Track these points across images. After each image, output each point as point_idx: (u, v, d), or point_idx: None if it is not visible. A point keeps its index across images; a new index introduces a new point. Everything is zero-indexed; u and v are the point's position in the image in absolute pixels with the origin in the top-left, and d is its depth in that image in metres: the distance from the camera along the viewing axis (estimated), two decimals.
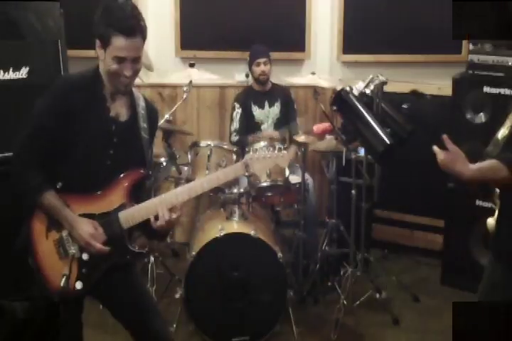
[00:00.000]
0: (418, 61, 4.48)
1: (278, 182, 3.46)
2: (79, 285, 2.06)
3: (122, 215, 2.09)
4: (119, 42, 1.99)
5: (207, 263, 3.16)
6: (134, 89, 2.22)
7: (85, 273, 2.08)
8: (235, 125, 4.21)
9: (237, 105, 4.24)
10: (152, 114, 2.27)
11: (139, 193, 2.17)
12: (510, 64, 3.53)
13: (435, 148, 2.00)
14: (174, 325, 3.30)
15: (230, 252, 3.17)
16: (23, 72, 3.26)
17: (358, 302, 3.55)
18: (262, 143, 3.58)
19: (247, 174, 2.21)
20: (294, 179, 3.67)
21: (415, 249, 4.35)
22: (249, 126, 4.26)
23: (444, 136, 1.95)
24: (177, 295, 3.27)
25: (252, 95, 4.25)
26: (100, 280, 2.12)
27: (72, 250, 2.07)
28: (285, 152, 2.18)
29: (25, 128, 2.12)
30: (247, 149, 3.58)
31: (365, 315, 3.55)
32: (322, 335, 3.36)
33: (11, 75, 3.23)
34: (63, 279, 2.03)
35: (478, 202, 3.70)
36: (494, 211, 2.34)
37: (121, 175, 2.12)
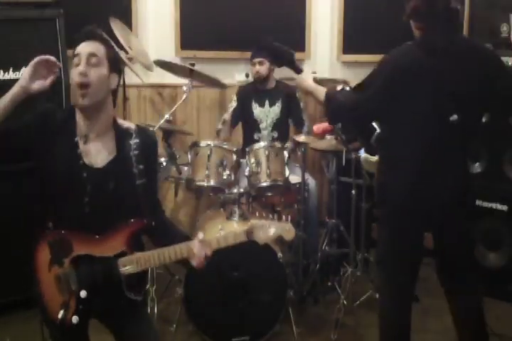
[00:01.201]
0: None
1: (278, 182, 3.46)
2: (75, 319, 2.06)
3: (121, 262, 2.08)
4: (79, 46, 2.06)
5: (207, 263, 3.14)
6: (123, 126, 2.15)
7: (82, 309, 2.08)
8: (225, 115, 4.19)
9: (234, 98, 4.25)
10: (149, 148, 2.17)
11: (140, 241, 2.16)
12: (510, 64, 3.53)
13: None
14: (174, 325, 3.30)
15: (230, 252, 3.14)
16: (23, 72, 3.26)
17: (358, 302, 3.56)
18: (262, 144, 3.58)
19: (248, 240, 2.16)
20: (294, 179, 3.67)
21: None
22: (248, 124, 4.25)
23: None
24: (177, 295, 3.26)
25: (253, 92, 4.24)
26: (103, 315, 2.17)
27: (72, 287, 2.07)
28: (290, 225, 2.12)
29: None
30: (247, 149, 3.59)
31: (365, 315, 3.55)
32: (322, 335, 3.36)
33: (11, 75, 3.23)
34: (61, 312, 2.05)
35: (478, 202, 3.71)
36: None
37: (125, 223, 2.09)
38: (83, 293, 2.07)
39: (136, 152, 2.11)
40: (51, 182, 2.09)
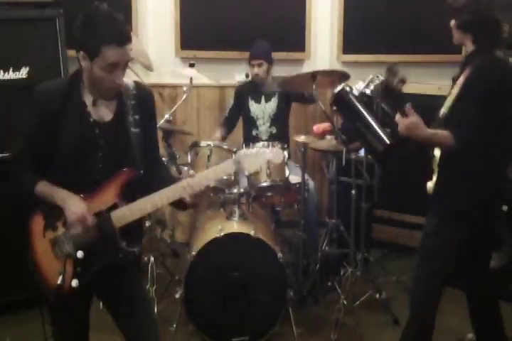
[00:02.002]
0: (418, 61, 4.49)
1: (278, 182, 3.46)
2: (74, 283, 2.08)
3: (114, 215, 2.10)
4: (111, 52, 1.98)
5: (207, 263, 3.16)
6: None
7: (80, 271, 2.09)
8: (225, 114, 4.31)
9: (233, 96, 4.29)
10: (145, 100, 2.22)
11: (132, 192, 2.15)
12: None
13: (398, 117, 2.51)
14: (174, 325, 3.30)
15: (230, 252, 3.17)
16: (23, 72, 3.26)
17: (358, 302, 3.55)
18: (262, 144, 3.58)
19: (237, 171, 2.17)
20: (294, 179, 3.67)
21: (415, 249, 4.34)
22: (246, 121, 4.25)
23: (408, 107, 2.46)
24: (177, 295, 3.27)
25: (250, 89, 4.24)
26: (101, 279, 2.14)
27: (67, 249, 2.09)
28: (278, 148, 2.16)
29: (19, 137, 2.17)
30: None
31: (365, 315, 3.55)
32: (322, 335, 3.36)
33: (11, 75, 3.24)
34: (60, 277, 2.06)
35: None
36: None
37: (113, 175, 2.11)
38: (79, 254, 2.08)
39: (132, 102, 2.16)
40: (65, 150, 2.09)
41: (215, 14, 4.56)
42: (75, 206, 2.05)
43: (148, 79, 4.39)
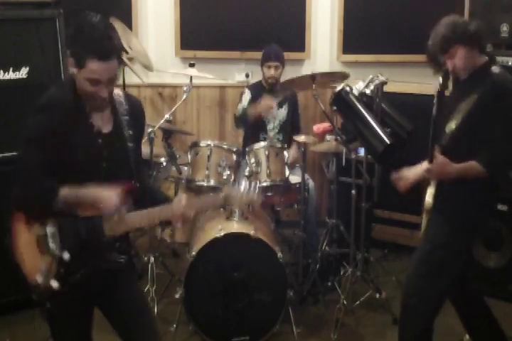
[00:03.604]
0: (418, 61, 4.46)
1: (278, 182, 3.46)
2: (54, 283, 2.04)
3: (106, 223, 2.08)
4: (94, 65, 1.95)
5: (207, 263, 3.16)
6: (114, 94, 2.16)
7: (63, 273, 2.06)
8: (244, 103, 4.15)
9: (247, 91, 4.19)
10: (137, 112, 2.23)
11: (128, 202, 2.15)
12: (510, 64, 3.53)
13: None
14: (174, 325, 3.30)
15: (230, 252, 3.17)
16: (23, 72, 3.26)
17: (358, 302, 3.55)
18: (262, 143, 3.59)
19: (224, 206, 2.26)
20: (294, 179, 3.67)
21: (415, 249, 4.33)
22: (255, 124, 4.24)
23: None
24: (177, 295, 3.26)
25: (262, 92, 4.21)
26: (99, 288, 2.15)
27: (53, 247, 2.05)
28: (258, 192, 2.20)
29: (24, 150, 2.13)
30: (247, 149, 3.59)
31: (365, 315, 3.55)
32: (322, 335, 3.36)
33: (11, 75, 3.24)
34: (41, 275, 2.03)
35: None
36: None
37: (113, 185, 2.10)
38: (66, 255, 2.04)
39: (126, 117, 2.17)
40: (71, 160, 2.07)
41: (215, 14, 4.56)
42: (107, 194, 2.03)
43: (148, 79, 4.39)
